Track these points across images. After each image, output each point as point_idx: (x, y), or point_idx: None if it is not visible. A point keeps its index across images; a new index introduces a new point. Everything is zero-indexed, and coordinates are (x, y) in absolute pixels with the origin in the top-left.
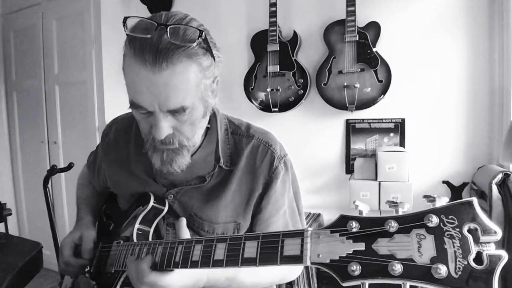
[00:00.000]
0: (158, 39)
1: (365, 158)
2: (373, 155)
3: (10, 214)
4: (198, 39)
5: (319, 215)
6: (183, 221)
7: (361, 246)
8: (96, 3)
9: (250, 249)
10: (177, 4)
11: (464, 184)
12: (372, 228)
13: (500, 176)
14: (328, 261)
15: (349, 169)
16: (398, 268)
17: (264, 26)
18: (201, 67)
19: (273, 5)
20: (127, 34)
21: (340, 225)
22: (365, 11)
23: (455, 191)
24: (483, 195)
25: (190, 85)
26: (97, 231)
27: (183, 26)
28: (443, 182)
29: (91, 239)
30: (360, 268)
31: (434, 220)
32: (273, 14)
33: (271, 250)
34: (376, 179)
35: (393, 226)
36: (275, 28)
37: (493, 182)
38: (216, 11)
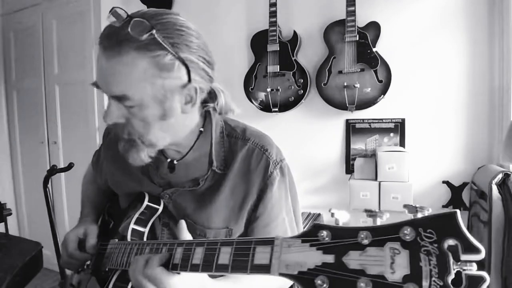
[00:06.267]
0: (120, 29)
1: (365, 158)
2: (373, 155)
3: (10, 214)
4: (146, 34)
5: (319, 215)
6: (182, 223)
7: (330, 259)
8: (96, 3)
9: (225, 255)
10: (177, 4)
11: (464, 184)
12: (344, 239)
13: (500, 176)
14: (296, 273)
15: (349, 169)
16: (366, 285)
17: (264, 26)
18: (157, 65)
19: (273, 5)
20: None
21: (312, 234)
22: (365, 11)
23: (455, 191)
24: (483, 195)
25: (133, 78)
26: (99, 228)
27: (140, 20)
28: (443, 182)
29: (95, 234)
30: (328, 282)
31: (410, 234)
32: (273, 14)
33: (243, 257)
34: (376, 179)
35: (366, 238)
36: (275, 28)
37: (493, 182)
38: (216, 11)
